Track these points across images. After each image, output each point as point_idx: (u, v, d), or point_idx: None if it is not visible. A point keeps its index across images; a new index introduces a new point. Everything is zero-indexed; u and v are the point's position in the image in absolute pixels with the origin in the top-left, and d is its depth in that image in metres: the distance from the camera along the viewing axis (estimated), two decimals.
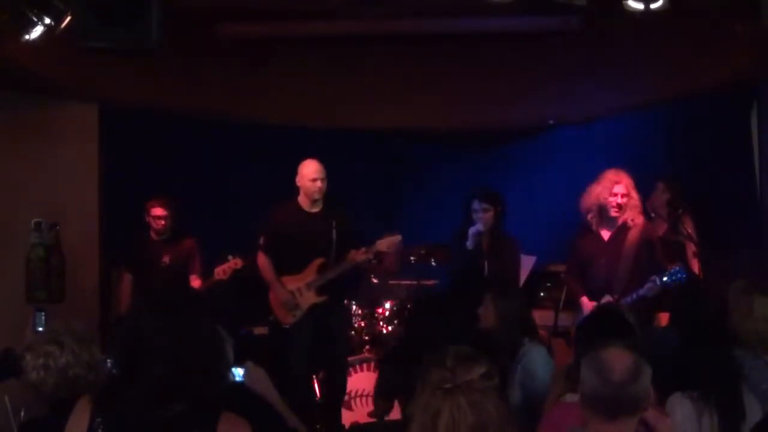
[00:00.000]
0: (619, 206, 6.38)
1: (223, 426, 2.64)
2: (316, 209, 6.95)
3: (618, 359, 3.06)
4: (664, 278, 6.09)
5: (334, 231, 6.85)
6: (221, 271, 7.31)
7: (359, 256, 6.90)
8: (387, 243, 6.96)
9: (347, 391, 7.17)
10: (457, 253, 6.78)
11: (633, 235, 6.42)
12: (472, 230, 6.59)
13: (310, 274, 6.89)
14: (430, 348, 4.42)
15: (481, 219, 6.59)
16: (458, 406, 2.67)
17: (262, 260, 6.98)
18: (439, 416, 2.68)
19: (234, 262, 7.30)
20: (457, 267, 6.83)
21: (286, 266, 6.94)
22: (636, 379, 3.04)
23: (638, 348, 3.40)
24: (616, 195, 6.38)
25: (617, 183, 6.40)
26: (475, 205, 6.63)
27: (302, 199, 6.96)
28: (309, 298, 6.88)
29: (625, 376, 3.02)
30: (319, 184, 6.85)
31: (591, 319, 4.42)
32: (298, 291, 6.88)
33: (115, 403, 2.67)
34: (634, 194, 6.47)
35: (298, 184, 6.95)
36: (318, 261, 6.90)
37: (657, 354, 4.33)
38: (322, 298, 6.88)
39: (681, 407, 3.80)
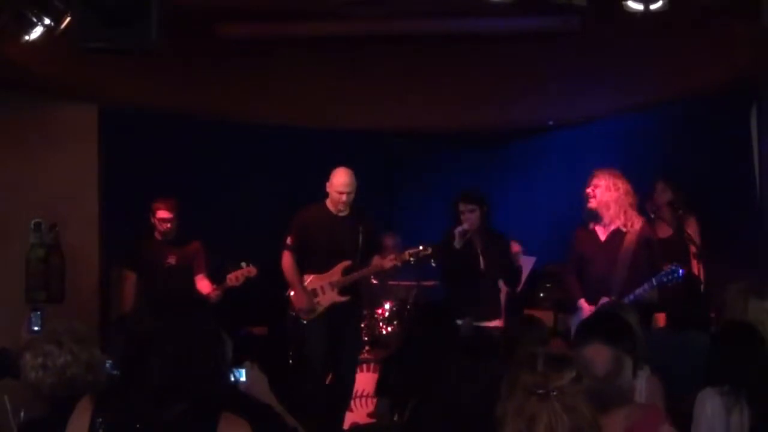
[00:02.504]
0: (591, 197, 6.48)
1: (223, 426, 2.64)
2: (343, 213, 7.04)
3: (598, 354, 3.12)
4: (660, 278, 6.12)
5: (360, 235, 6.98)
6: (234, 278, 7.27)
7: (387, 263, 7.11)
8: (414, 252, 7.12)
9: None
10: (445, 253, 6.97)
11: (630, 237, 6.45)
12: (458, 230, 6.81)
13: (335, 274, 7.00)
14: (428, 354, 4.45)
15: (468, 219, 6.81)
16: (555, 412, 2.63)
17: (287, 260, 7.00)
18: (536, 422, 2.66)
19: (248, 270, 7.26)
20: (449, 266, 7.01)
21: (311, 265, 7.02)
22: (618, 372, 3.10)
23: (639, 347, 3.43)
24: (589, 186, 6.51)
25: (594, 176, 6.53)
26: (461, 206, 6.86)
27: (330, 203, 7.05)
28: (331, 297, 6.99)
29: (608, 370, 3.08)
30: (344, 198, 6.95)
31: (588, 320, 4.44)
32: (321, 289, 6.99)
33: (116, 403, 2.67)
34: (613, 189, 6.47)
35: (327, 189, 7.02)
36: (344, 263, 7.01)
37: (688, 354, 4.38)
38: (344, 299, 7.01)
39: (711, 402, 3.84)
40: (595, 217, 6.52)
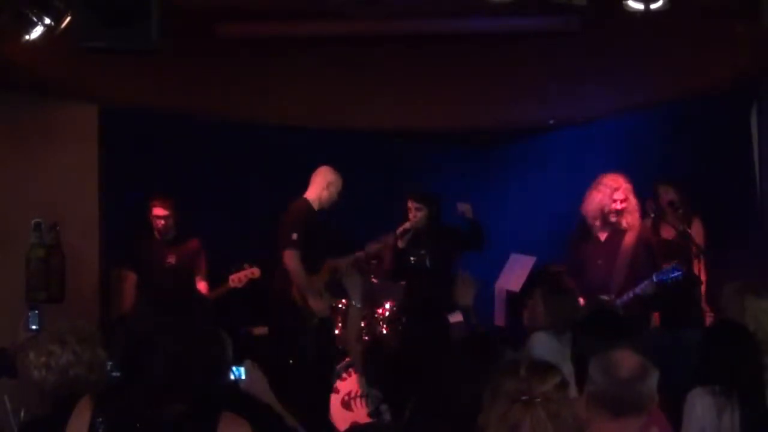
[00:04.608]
0: (618, 212, 6.45)
1: (223, 426, 2.64)
2: (319, 210, 7.10)
3: (626, 359, 3.10)
4: (660, 275, 6.13)
5: (332, 233, 7.10)
6: (236, 279, 7.24)
7: (360, 255, 7.31)
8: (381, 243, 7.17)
9: (347, 391, 7.21)
10: (393, 253, 7.08)
11: (629, 237, 6.47)
12: (399, 230, 6.88)
13: (324, 275, 7.05)
14: (428, 354, 4.45)
15: (415, 217, 6.88)
16: (538, 419, 2.60)
17: (295, 260, 6.86)
18: (519, 430, 2.64)
19: (251, 271, 7.23)
20: (396, 265, 7.11)
21: (305, 266, 6.95)
22: (642, 379, 3.07)
23: (637, 346, 3.43)
24: (615, 201, 6.48)
25: (616, 189, 6.47)
26: (410, 203, 6.92)
27: (313, 200, 7.08)
28: (328, 299, 7.09)
29: (632, 375, 3.05)
30: (338, 197, 7.06)
31: (589, 319, 4.44)
32: (318, 292, 7.02)
33: (116, 403, 2.67)
34: (632, 198, 6.51)
35: (323, 187, 7.07)
36: (328, 263, 7.10)
37: (679, 354, 4.38)
38: (338, 300, 7.15)
39: (701, 402, 3.83)
40: (610, 224, 6.51)
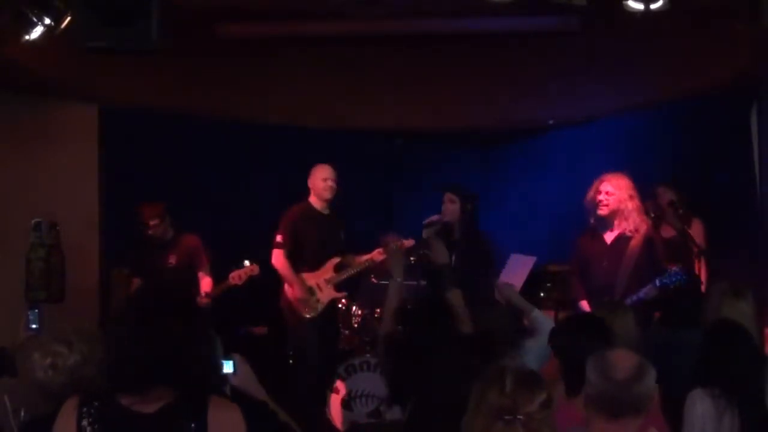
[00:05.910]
0: (603, 204, 6.41)
1: (213, 411, 2.64)
2: (327, 211, 7.25)
3: (623, 359, 3.09)
4: (663, 280, 6.12)
5: (342, 232, 7.25)
6: (237, 276, 7.26)
7: (377, 256, 7.23)
8: (396, 243, 7.14)
9: (347, 390, 7.21)
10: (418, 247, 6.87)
11: (636, 240, 6.44)
12: (425, 220, 6.65)
13: (328, 271, 7.17)
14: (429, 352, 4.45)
15: (446, 210, 6.65)
16: None
17: (280, 258, 7.11)
18: None
19: (251, 269, 7.28)
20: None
21: (302, 264, 7.16)
22: (640, 379, 3.06)
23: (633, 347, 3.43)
24: (600, 192, 6.44)
25: (603, 181, 6.46)
26: (444, 196, 6.72)
27: (314, 201, 7.24)
28: (329, 293, 7.17)
29: (629, 375, 3.04)
30: (330, 183, 7.17)
31: (564, 324, 4.48)
32: (317, 286, 7.15)
33: (103, 399, 2.67)
34: (626, 194, 6.46)
35: (311, 186, 7.25)
36: (334, 260, 7.20)
37: (678, 353, 4.38)
38: (341, 294, 7.24)
39: (701, 403, 3.83)
40: (605, 223, 6.49)
